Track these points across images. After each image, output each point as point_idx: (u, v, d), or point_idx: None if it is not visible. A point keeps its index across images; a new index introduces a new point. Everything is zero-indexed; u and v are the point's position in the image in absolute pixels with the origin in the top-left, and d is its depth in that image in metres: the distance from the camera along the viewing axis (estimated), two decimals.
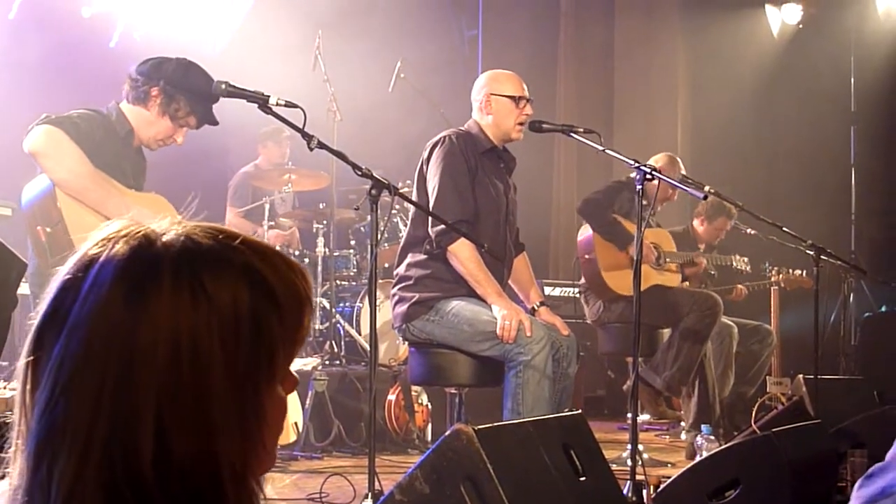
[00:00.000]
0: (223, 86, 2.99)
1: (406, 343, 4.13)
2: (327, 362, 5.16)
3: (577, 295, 5.53)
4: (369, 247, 3.52)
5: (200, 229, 0.88)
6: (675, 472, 3.25)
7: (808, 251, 4.45)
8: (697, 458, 3.65)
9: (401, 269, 3.79)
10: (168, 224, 0.88)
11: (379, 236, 3.14)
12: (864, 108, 8.11)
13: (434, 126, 5.36)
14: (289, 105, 2.96)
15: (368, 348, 3.51)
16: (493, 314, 3.56)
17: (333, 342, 5.34)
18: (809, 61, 7.97)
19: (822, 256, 4.43)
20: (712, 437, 4.29)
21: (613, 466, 2.94)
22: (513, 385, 3.51)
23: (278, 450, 1.01)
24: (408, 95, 6.44)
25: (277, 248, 1.01)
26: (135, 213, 3.34)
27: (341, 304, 5.71)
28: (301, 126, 2.97)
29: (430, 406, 5.11)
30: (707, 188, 4.14)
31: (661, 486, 3.14)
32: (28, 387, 0.85)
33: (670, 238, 5.43)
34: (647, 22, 8.21)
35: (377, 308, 3.11)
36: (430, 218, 3.63)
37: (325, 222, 5.75)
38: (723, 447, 3.27)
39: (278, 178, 5.92)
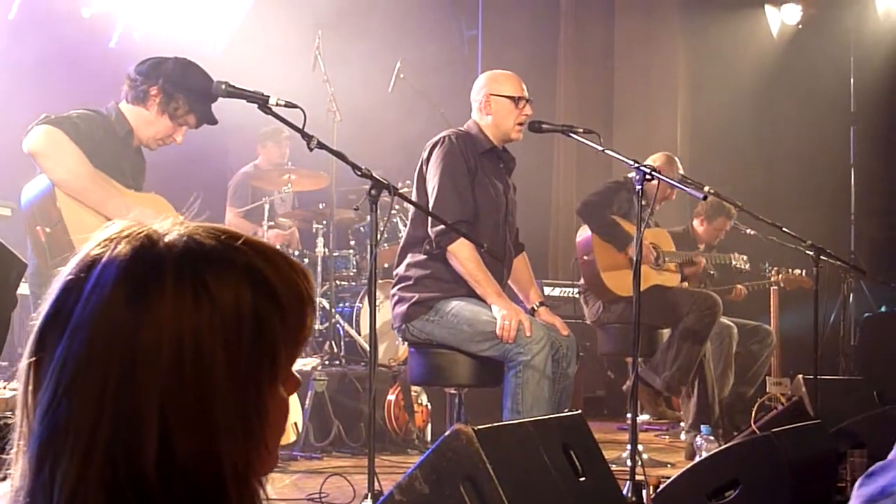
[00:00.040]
0: (223, 86, 2.99)
1: (406, 343, 4.13)
2: (327, 362, 5.16)
3: (577, 295, 5.53)
4: (369, 247, 3.52)
5: (203, 230, 0.87)
6: (674, 473, 3.25)
7: (807, 251, 4.45)
8: (697, 459, 3.65)
9: (400, 270, 3.79)
10: (170, 224, 0.87)
11: (378, 236, 3.14)
12: (864, 108, 8.11)
13: (434, 126, 5.36)
14: (288, 105, 2.96)
15: (368, 348, 3.51)
16: (492, 314, 3.56)
17: (333, 342, 5.34)
18: (809, 62, 7.97)
19: (822, 257, 4.43)
20: (712, 438, 4.29)
21: (613, 467, 2.94)
22: (512, 385, 3.51)
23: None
24: (407, 96, 6.44)
25: (277, 247, 1.01)
26: (137, 213, 3.32)
27: (341, 305, 5.71)
28: (301, 126, 2.97)
29: (429, 406, 5.11)
30: (707, 188, 4.14)
31: (661, 487, 3.14)
32: (30, 388, 0.84)
33: (669, 238, 5.43)
34: (647, 22, 8.21)
35: (377, 308, 3.11)
36: (429, 218, 3.63)
37: (324, 222, 5.75)
38: (722, 447, 3.27)
39: (278, 178, 5.92)
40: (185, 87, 3.40)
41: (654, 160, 5.03)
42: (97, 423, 0.80)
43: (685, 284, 5.44)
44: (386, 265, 5.60)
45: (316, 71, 5.72)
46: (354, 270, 5.84)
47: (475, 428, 2.22)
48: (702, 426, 4.52)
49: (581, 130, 3.66)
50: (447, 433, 2.25)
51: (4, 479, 0.86)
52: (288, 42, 6.22)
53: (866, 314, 7.23)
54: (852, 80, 8.15)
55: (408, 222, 3.93)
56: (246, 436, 0.84)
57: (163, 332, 0.81)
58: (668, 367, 4.99)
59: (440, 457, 2.22)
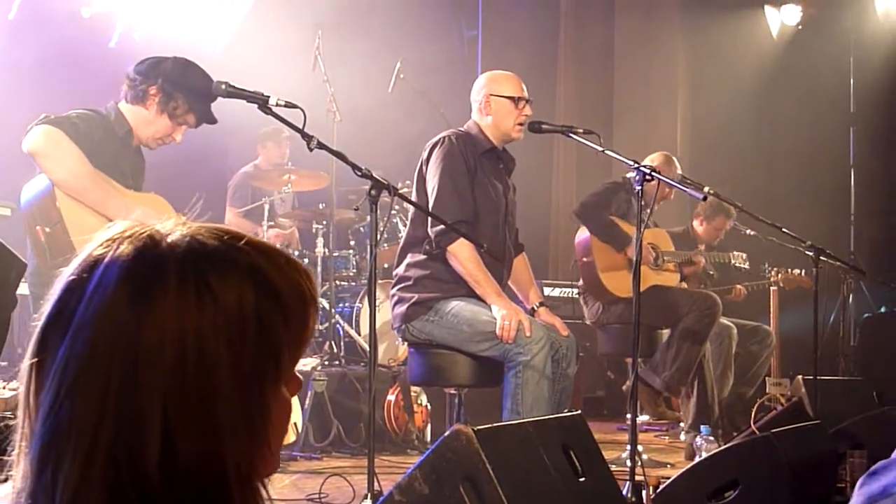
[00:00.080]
0: (223, 86, 3.00)
1: (405, 343, 4.13)
2: (327, 363, 5.16)
3: (577, 296, 5.53)
4: (369, 247, 3.52)
5: (205, 230, 0.87)
6: (674, 473, 3.25)
7: (807, 252, 4.45)
8: (697, 459, 3.65)
9: (400, 270, 3.79)
10: (172, 225, 0.87)
11: (378, 237, 3.15)
12: (864, 108, 8.11)
13: (433, 126, 5.36)
14: (288, 105, 2.96)
15: (368, 349, 3.51)
16: (492, 314, 3.56)
17: (333, 342, 5.34)
18: (809, 62, 7.97)
19: (822, 257, 4.43)
20: (711, 438, 4.29)
21: (613, 467, 2.94)
22: (512, 385, 3.51)
23: None
24: (407, 96, 6.44)
25: (277, 246, 1.01)
26: (140, 213, 3.32)
27: (341, 305, 5.71)
28: (301, 126, 2.97)
29: (429, 406, 5.11)
30: (706, 189, 4.13)
31: (661, 487, 3.14)
32: (32, 389, 0.84)
33: (668, 238, 5.43)
34: (647, 22, 8.21)
35: (377, 308, 3.11)
36: (429, 218, 3.63)
37: (324, 223, 5.75)
38: (722, 448, 3.28)
39: (278, 178, 5.92)
40: (184, 87, 3.40)
41: (653, 160, 5.03)
42: (99, 423, 0.80)
43: (684, 284, 5.44)
44: (386, 265, 5.60)
45: (316, 71, 5.72)
46: (354, 271, 5.84)
47: (475, 428, 2.22)
48: (701, 426, 4.52)
49: (581, 131, 3.66)
50: (447, 433, 2.25)
51: (6, 480, 0.86)
52: (288, 42, 6.22)
53: (866, 315, 7.23)
54: (852, 81, 8.15)
55: (408, 222, 3.93)
56: (249, 436, 0.84)
57: (165, 333, 0.81)
58: (668, 367, 4.99)
59: (440, 457, 2.22)
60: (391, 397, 4.94)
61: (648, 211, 3.51)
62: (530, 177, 6.34)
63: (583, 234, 5.13)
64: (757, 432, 3.34)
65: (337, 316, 5.54)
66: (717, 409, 5.18)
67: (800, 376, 4.76)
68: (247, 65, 5.71)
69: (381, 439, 4.75)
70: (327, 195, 5.79)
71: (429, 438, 5.03)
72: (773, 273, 6.04)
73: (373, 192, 3.06)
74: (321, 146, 3.02)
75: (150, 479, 0.80)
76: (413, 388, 4.96)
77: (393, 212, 5.59)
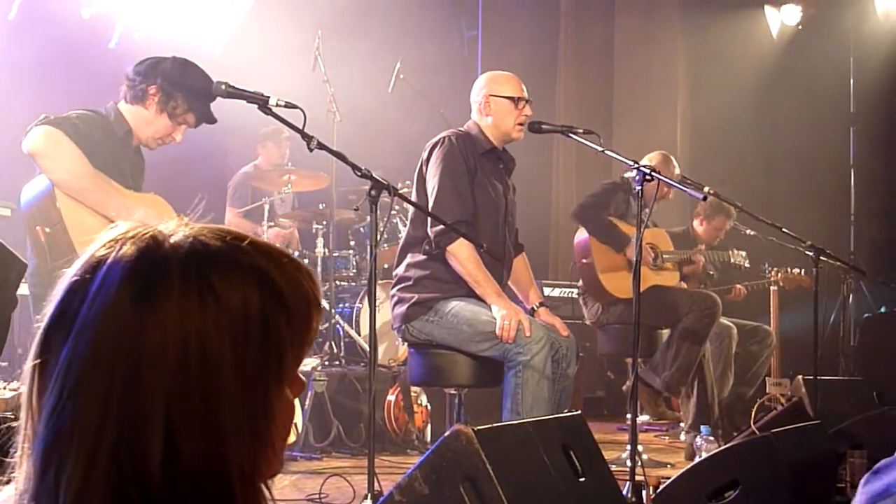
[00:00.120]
0: (223, 86, 2.99)
1: (405, 344, 4.13)
2: (327, 363, 5.16)
3: (577, 296, 5.53)
4: (369, 247, 3.52)
5: (208, 230, 0.87)
6: (674, 473, 3.25)
7: (807, 252, 4.45)
8: (697, 459, 3.65)
9: (400, 270, 3.79)
10: (175, 226, 0.87)
11: (378, 237, 3.15)
12: (864, 108, 8.11)
13: (433, 126, 5.36)
14: (288, 106, 2.96)
15: (368, 349, 3.51)
16: (492, 314, 3.56)
17: (333, 343, 5.34)
18: (809, 62, 7.97)
19: (822, 257, 4.43)
20: (711, 438, 4.29)
21: (613, 467, 2.94)
22: (512, 385, 3.51)
23: None
24: (407, 96, 6.44)
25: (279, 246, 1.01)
26: (141, 214, 3.31)
27: (341, 305, 5.71)
28: (301, 127, 2.97)
29: (429, 407, 5.11)
30: (706, 189, 4.13)
31: (661, 487, 3.14)
32: (35, 390, 0.84)
33: (667, 237, 5.43)
34: (646, 22, 8.21)
35: (377, 309, 3.11)
36: (429, 218, 3.63)
37: (324, 223, 5.75)
38: (722, 448, 3.28)
39: (278, 178, 5.92)
40: (183, 86, 3.40)
41: (651, 159, 5.03)
42: (102, 424, 0.80)
43: (684, 284, 5.44)
44: (386, 265, 5.60)
45: (316, 71, 5.72)
46: (354, 271, 5.84)
47: (475, 428, 2.22)
48: (701, 427, 4.52)
49: (581, 131, 3.66)
50: (447, 434, 2.25)
51: (9, 482, 0.86)
52: (288, 42, 6.22)
53: (866, 315, 7.23)
54: (852, 81, 8.15)
55: (407, 223, 3.93)
56: (253, 437, 0.84)
57: (168, 333, 0.81)
58: (668, 367, 4.99)
59: (440, 457, 2.22)
60: (391, 397, 4.94)
61: (647, 211, 3.50)
62: (530, 177, 6.34)
63: (582, 235, 5.13)
64: (757, 432, 3.34)
65: (337, 316, 5.54)
66: (717, 410, 5.18)
67: (800, 376, 4.76)
68: (247, 65, 5.71)
69: (381, 439, 4.75)
70: (327, 195, 5.79)
71: (429, 438, 5.03)
72: (772, 273, 6.05)
73: (373, 192, 3.06)
74: (321, 146, 3.02)
75: (152, 480, 0.79)
76: (413, 389, 4.96)
77: (393, 212, 5.59)
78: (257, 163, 6.54)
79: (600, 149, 3.58)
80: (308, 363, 4.98)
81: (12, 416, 2.44)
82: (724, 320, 5.26)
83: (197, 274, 0.83)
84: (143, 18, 6.41)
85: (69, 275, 0.86)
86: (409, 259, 3.77)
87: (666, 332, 5.09)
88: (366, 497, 2.95)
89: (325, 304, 5.51)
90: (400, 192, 3.17)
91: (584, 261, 5.11)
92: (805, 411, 3.92)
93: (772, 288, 6.04)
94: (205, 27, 6.54)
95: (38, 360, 0.84)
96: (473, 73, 7.12)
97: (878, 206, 8.08)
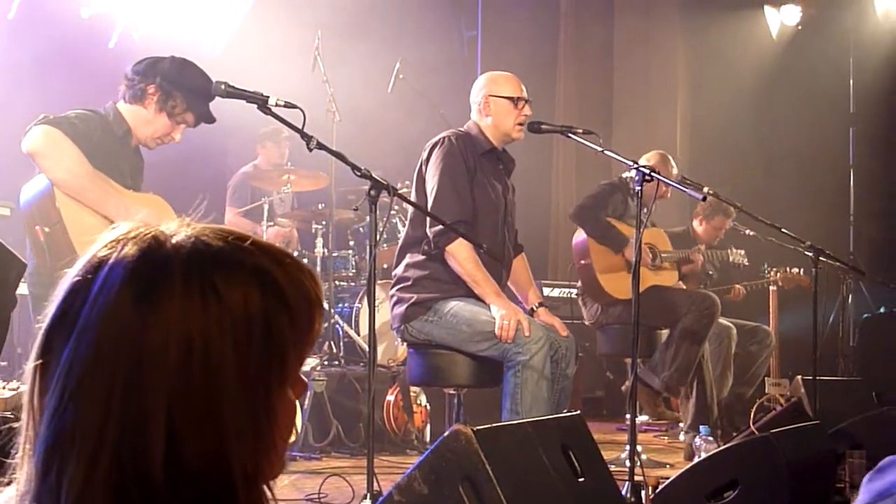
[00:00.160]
0: (222, 86, 2.99)
1: (405, 344, 4.13)
2: (326, 363, 5.16)
3: (576, 297, 5.53)
4: (368, 247, 3.52)
5: (210, 231, 0.87)
6: (673, 473, 3.25)
7: (806, 252, 4.45)
8: (696, 459, 3.65)
9: (399, 270, 3.79)
10: (177, 226, 0.87)
11: (378, 237, 3.15)
12: (863, 109, 8.11)
13: (433, 126, 5.36)
14: (288, 106, 2.96)
15: (367, 349, 3.51)
16: (491, 314, 3.56)
17: (332, 343, 5.33)
18: (808, 62, 7.97)
19: (821, 257, 4.43)
20: (711, 438, 4.29)
21: (612, 467, 2.94)
22: (511, 385, 3.51)
23: None
24: (407, 96, 6.44)
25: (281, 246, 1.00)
26: (144, 214, 3.34)
27: (340, 305, 5.71)
28: (300, 127, 2.97)
29: (428, 407, 5.11)
30: (706, 189, 4.13)
31: (660, 487, 3.14)
32: (36, 391, 0.84)
33: (665, 237, 5.43)
34: (646, 22, 8.21)
35: (376, 309, 3.11)
36: (428, 218, 3.63)
37: (323, 223, 5.75)
38: (721, 448, 3.28)
39: (277, 178, 5.92)
40: (182, 86, 3.40)
41: (648, 159, 5.04)
42: (104, 425, 0.79)
43: (682, 284, 5.44)
44: (385, 265, 5.60)
45: (315, 71, 5.72)
46: (353, 271, 5.84)
47: (474, 428, 2.22)
48: (701, 427, 4.52)
49: (580, 131, 3.66)
50: (446, 434, 2.25)
51: (10, 483, 0.85)
52: (287, 42, 6.22)
53: (865, 315, 7.23)
54: (851, 81, 8.15)
55: (407, 223, 3.93)
56: (255, 437, 0.84)
57: (171, 334, 0.81)
58: (667, 367, 4.99)
59: (439, 457, 2.22)
60: (390, 397, 4.94)
61: (646, 211, 3.50)
62: (530, 177, 6.34)
63: (580, 236, 5.13)
64: (756, 432, 3.34)
65: (336, 316, 5.54)
66: (717, 410, 5.18)
67: (799, 376, 4.76)
68: (246, 65, 5.71)
69: (380, 439, 4.75)
70: (326, 195, 5.79)
71: (428, 438, 5.03)
72: (772, 273, 6.05)
73: (372, 192, 3.06)
74: (320, 146, 3.02)
75: (154, 481, 0.79)
76: (412, 389, 4.96)
77: (392, 212, 5.59)
78: (257, 163, 6.54)
79: (600, 149, 3.58)
80: (307, 363, 4.97)
81: (12, 416, 2.44)
82: (723, 320, 5.26)
83: (199, 274, 0.83)
84: (143, 18, 6.41)
85: (71, 275, 0.86)
86: (408, 259, 3.77)
87: (665, 333, 5.09)
88: (365, 497, 2.95)
89: (324, 304, 5.50)
90: (399, 192, 3.17)
91: (582, 262, 5.11)
92: (804, 411, 3.92)
93: (771, 288, 6.04)
94: (204, 27, 6.54)
95: (40, 361, 0.84)
96: (473, 74, 7.13)
97: (878, 206, 8.07)
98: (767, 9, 8.18)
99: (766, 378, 5.70)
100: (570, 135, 3.67)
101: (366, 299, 5.34)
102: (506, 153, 3.94)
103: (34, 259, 3.29)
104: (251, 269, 0.85)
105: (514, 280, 4.00)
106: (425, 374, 3.78)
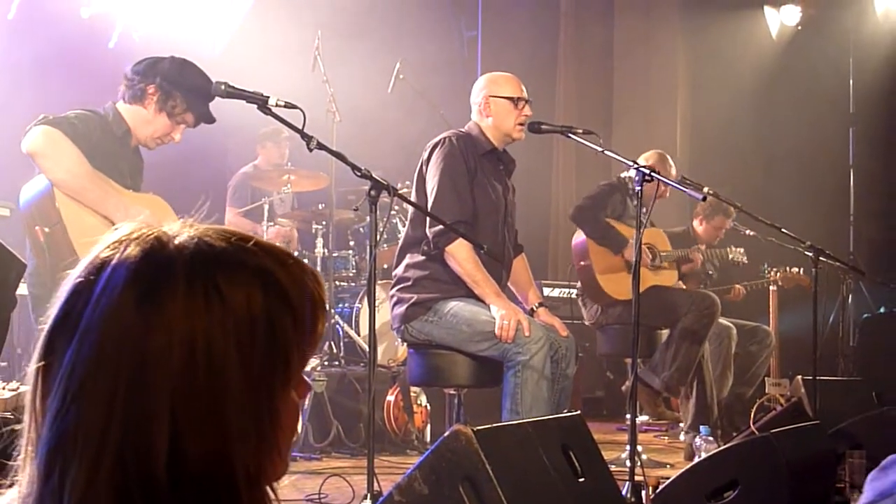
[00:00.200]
0: (222, 86, 2.99)
1: (405, 344, 4.13)
2: (326, 363, 5.16)
3: (576, 297, 5.53)
4: (368, 247, 3.52)
5: (213, 231, 0.87)
6: (673, 473, 3.25)
7: (806, 252, 4.45)
8: (696, 459, 3.65)
9: (399, 270, 3.79)
10: (179, 227, 0.87)
11: (378, 237, 3.14)
12: (863, 109, 8.11)
13: (433, 127, 5.36)
14: (288, 106, 2.96)
15: (367, 349, 3.51)
16: (491, 314, 3.56)
17: (332, 343, 5.34)
18: (808, 63, 7.97)
19: (821, 257, 4.43)
20: (711, 438, 4.29)
21: (612, 467, 2.94)
22: (511, 385, 3.51)
23: None
24: (407, 96, 6.44)
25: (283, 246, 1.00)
26: (147, 215, 3.31)
27: (340, 305, 5.71)
28: (300, 127, 2.97)
29: (428, 407, 5.11)
30: (706, 189, 4.13)
31: (660, 487, 3.14)
32: (39, 393, 0.84)
33: (664, 237, 5.43)
34: (646, 22, 8.21)
35: (376, 309, 3.11)
36: (428, 219, 3.63)
37: (323, 223, 5.75)
38: (721, 448, 3.28)
39: (277, 178, 5.92)
40: (182, 86, 3.41)
41: (647, 158, 5.04)
42: (107, 427, 0.79)
43: (682, 284, 5.44)
44: (385, 266, 5.60)
45: (315, 71, 5.72)
46: (354, 271, 5.84)
47: (474, 428, 2.22)
48: (701, 427, 4.52)
49: (580, 131, 3.66)
50: (446, 434, 2.25)
51: (12, 485, 0.85)
52: (287, 42, 6.22)
53: (865, 315, 7.23)
54: (851, 81, 8.15)
55: (407, 223, 3.93)
56: (259, 438, 0.84)
57: (174, 335, 0.81)
58: (667, 367, 4.99)
59: (439, 457, 2.22)
60: (391, 398, 4.94)
61: (645, 211, 3.50)
62: (530, 177, 6.34)
63: (579, 237, 5.13)
64: (756, 432, 3.34)
65: (336, 316, 5.54)
66: (717, 410, 5.18)
67: (799, 376, 4.76)
68: (246, 65, 5.71)
69: (380, 440, 4.75)
70: (327, 195, 5.79)
71: (428, 439, 5.03)
72: (772, 273, 6.05)
73: (372, 192, 3.06)
74: (320, 146, 3.02)
75: (157, 482, 0.79)
76: (412, 389, 4.96)
77: (392, 212, 5.59)
78: (257, 163, 6.54)
79: (600, 149, 3.58)
80: (307, 363, 4.97)
81: (12, 416, 2.43)
82: (723, 320, 5.26)
83: (202, 275, 0.83)
84: (143, 18, 6.41)
85: (73, 276, 0.85)
86: (408, 259, 3.77)
87: (665, 333, 5.09)
88: (365, 497, 2.95)
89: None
90: (399, 192, 3.17)
91: (582, 263, 5.10)
92: (804, 411, 3.92)
93: (771, 288, 6.04)
94: (204, 27, 6.54)
95: (42, 363, 0.84)
96: (473, 74, 7.13)
97: (878, 206, 8.07)
98: (767, 9, 8.18)
99: (766, 378, 5.70)
100: (570, 135, 3.67)
101: (366, 299, 5.35)
102: (506, 154, 3.94)
103: (34, 259, 3.29)
104: (254, 270, 0.85)
105: (514, 280, 4.00)
106: (425, 374, 3.78)
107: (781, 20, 8.16)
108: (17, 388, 2.60)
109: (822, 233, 5.80)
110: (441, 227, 3.54)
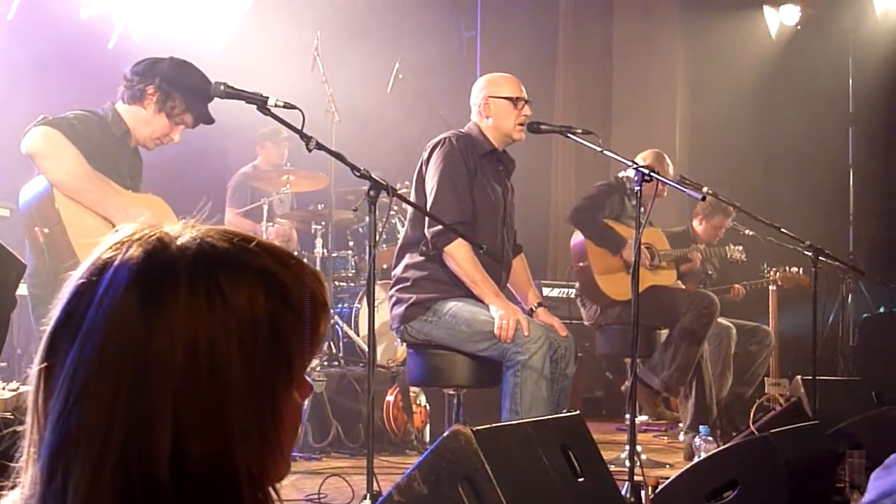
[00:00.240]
0: (222, 87, 2.99)
1: (404, 344, 4.13)
2: (326, 363, 5.16)
3: (575, 297, 5.53)
4: (367, 248, 3.52)
5: (215, 232, 0.87)
6: (673, 473, 3.25)
7: (806, 252, 4.45)
8: (696, 459, 3.65)
9: (398, 271, 3.79)
10: (181, 227, 0.87)
11: (377, 237, 3.15)
12: (863, 109, 8.11)
13: (433, 127, 5.36)
14: (287, 106, 2.96)
15: (367, 349, 3.51)
16: (490, 314, 3.56)
17: (332, 343, 5.34)
18: (808, 62, 7.97)
19: (821, 257, 4.43)
20: (710, 438, 4.28)
21: (612, 467, 2.94)
22: (510, 385, 3.51)
23: None
24: (406, 96, 6.44)
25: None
26: (148, 216, 3.32)
27: (340, 305, 5.71)
28: (299, 127, 2.97)
29: (428, 407, 5.11)
30: (705, 189, 4.13)
31: (660, 487, 3.14)
32: (41, 395, 0.84)
33: (663, 237, 5.43)
34: (645, 22, 8.21)
35: (375, 309, 3.11)
36: (427, 219, 3.63)
37: (323, 223, 5.75)
38: (721, 448, 3.28)
39: (277, 179, 5.92)
40: (181, 86, 3.41)
41: (644, 158, 5.04)
42: (109, 428, 0.79)
43: (681, 283, 5.44)
44: (385, 266, 5.60)
45: (315, 72, 5.72)
46: (353, 271, 5.84)
47: (474, 428, 2.22)
48: (700, 427, 4.51)
49: (580, 131, 3.66)
50: (446, 434, 2.25)
51: (14, 487, 0.85)
52: (287, 42, 6.22)
53: (865, 315, 7.23)
54: (851, 81, 8.15)
55: (406, 223, 3.93)
56: (261, 439, 0.84)
57: (176, 335, 0.81)
58: (667, 367, 4.99)
59: (439, 457, 2.22)
60: (390, 398, 4.94)
61: (643, 210, 3.50)
62: (529, 177, 6.34)
63: (578, 238, 5.13)
64: (756, 432, 3.34)
65: (336, 316, 5.54)
66: (716, 410, 5.18)
67: (798, 376, 4.76)
68: (246, 65, 5.71)
69: (380, 440, 4.75)
70: (326, 196, 5.79)
71: (428, 439, 5.03)
72: (771, 273, 6.05)
73: (371, 192, 3.06)
74: (320, 147, 3.02)
75: (160, 483, 0.79)
76: (412, 389, 4.96)
77: (392, 212, 5.59)
78: (256, 163, 6.54)
79: (599, 149, 3.58)
80: None
81: (12, 417, 2.44)
82: (722, 320, 5.26)
83: (205, 276, 0.83)
84: (142, 19, 6.41)
85: (75, 277, 0.85)
86: (407, 260, 3.77)
87: (664, 333, 5.09)
88: (365, 497, 2.95)
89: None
90: (398, 192, 3.18)
91: (580, 264, 5.10)
92: (804, 411, 3.92)
93: (770, 288, 6.05)
94: (204, 27, 6.54)
95: (44, 364, 0.84)
96: (472, 74, 7.13)
97: (877, 206, 8.07)
98: (767, 9, 8.19)
99: (765, 378, 5.70)
100: (569, 135, 3.67)
101: (365, 300, 5.35)
102: (506, 154, 3.95)
103: (34, 260, 3.29)
104: (256, 271, 0.85)
105: (514, 280, 4.00)
106: (425, 374, 3.78)
107: (781, 20, 8.16)
108: (18, 388, 2.61)
109: (821, 232, 5.80)
110: (440, 227, 3.54)
